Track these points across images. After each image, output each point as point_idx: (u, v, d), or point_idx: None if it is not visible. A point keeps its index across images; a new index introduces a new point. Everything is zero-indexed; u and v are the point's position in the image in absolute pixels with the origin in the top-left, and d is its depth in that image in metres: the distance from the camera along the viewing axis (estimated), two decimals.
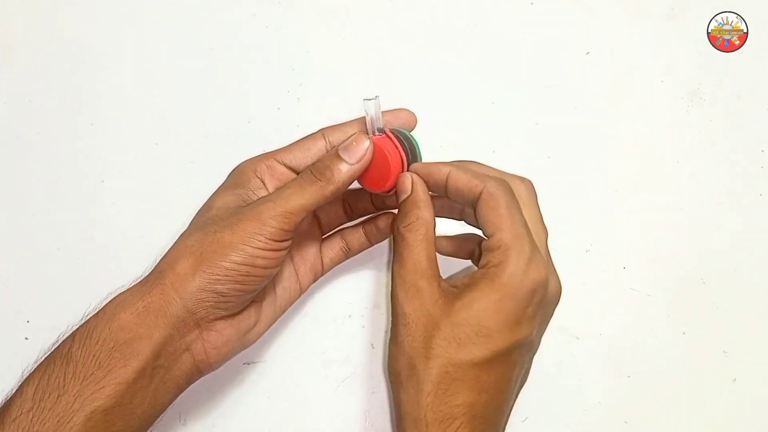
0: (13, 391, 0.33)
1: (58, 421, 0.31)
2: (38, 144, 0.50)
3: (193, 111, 0.51)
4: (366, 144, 0.37)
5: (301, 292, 0.42)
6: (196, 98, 0.51)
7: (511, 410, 0.38)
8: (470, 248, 0.41)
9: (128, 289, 0.35)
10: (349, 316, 0.46)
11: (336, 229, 0.44)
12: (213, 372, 0.44)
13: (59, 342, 0.34)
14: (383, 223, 0.43)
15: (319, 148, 0.39)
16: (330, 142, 0.39)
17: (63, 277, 0.47)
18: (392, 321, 0.37)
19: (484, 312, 0.34)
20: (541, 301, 0.36)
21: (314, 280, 0.43)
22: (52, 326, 0.36)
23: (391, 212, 0.43)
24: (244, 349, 0.39)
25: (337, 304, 0.46)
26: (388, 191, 0.39)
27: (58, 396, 0.32)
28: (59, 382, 0.32)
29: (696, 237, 0.49)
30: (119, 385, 0.32)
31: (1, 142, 0.50)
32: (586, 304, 0.48)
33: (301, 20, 0.53)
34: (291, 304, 0.42)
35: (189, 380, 0.36)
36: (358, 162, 0.37)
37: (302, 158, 0.39)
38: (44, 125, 0.50)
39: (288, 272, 0.41)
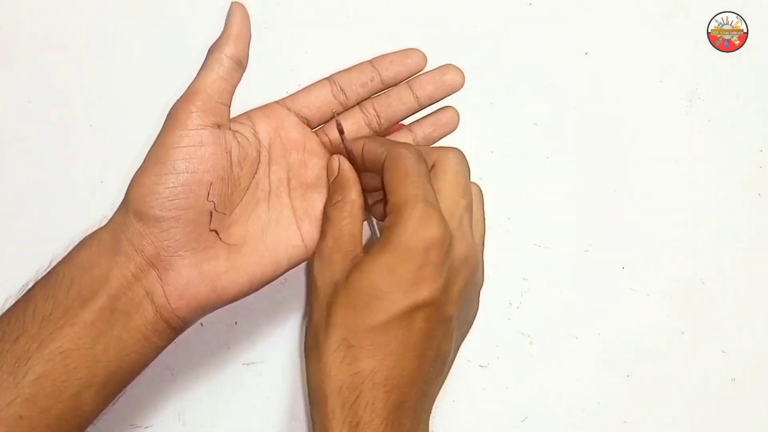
0: None
1: (14, 363, 0.30)
2: (37, 145, 0.50)
3: None
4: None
5: (306, 251, 0.38)
6: None
7: (433, 388, 0.36)
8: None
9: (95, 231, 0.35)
10: None
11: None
12: (213, 373, 0.44)
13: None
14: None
15: (318, 93, 0.41)
16: (341, 88, 0.41)
17: None
18: (308, 296, 0.37)
19: (377, 275, 0.32)
20: (440, 261, 0.33)
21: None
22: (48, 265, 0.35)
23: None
24: (220, 301, 0.35)
25: None
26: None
27: (17, 337, 0.31)
28: (18, 324, 0.31)
29: (695, 237, 0.49)
30: (76, 326, 0.31)
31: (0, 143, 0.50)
32: (584, 304, 0.48)
33: (300, 21, 0.53)
34: (293, 263, 0.38)
35: (156, 331, 0.34)
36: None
37: (304, 99, 0.41)
38: (43, 126, 0.50)
39: (282, 218, 0.38)
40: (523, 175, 0.48)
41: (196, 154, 0.34)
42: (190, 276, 0.34)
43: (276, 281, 0.47)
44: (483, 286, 0.39)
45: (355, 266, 0.34)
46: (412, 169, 0.34)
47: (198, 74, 0.37)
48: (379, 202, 0.39)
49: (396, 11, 0.53)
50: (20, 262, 0.47)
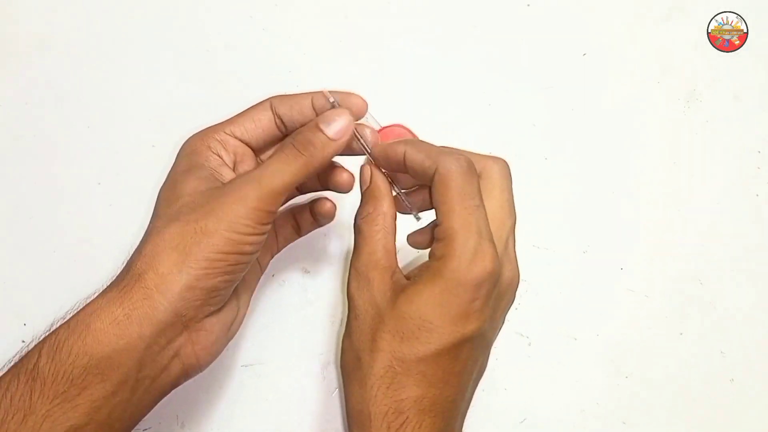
0: None
1: None
2: (35, 146, 0.50)
3: (190, 113, 0.51)
4: (347, 118, 0.35)
5: (262, 272, 0.40)
6: (193, 100, 0.51)
7: (468, 404, 0.37)
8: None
9: (102, 295, 0.32)
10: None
11: (287, 205, 0.41)
12: (212, 375, 0.44)
13: (24, 354, 0.31)
14: (323, 208, 0.41)
15: (268, 119, 0.37)
16: (278, 114, 0.37)
17: (60, 280, 0.47)
18: (348, 313, 0.37)
19: (426, 306, 0.32)
20: (489, 293, 0.33)
21: (270, 260, 0.41)
22: (49, 329, 0.35)
23: (327, 198, 0.41)
24: (229, 342, 0.37)
25: (334, 306, 0.46)
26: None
27: (24, 416, 0.29)
28: (24, 402, 0.29)
29: (693, 238, 0.49)
30: (96, 402, 0.30)
31: None
32: (583, 305, 0.48)
33: (299, 22, 0.53)
34: (257, 286, 0.40)
35: (175, 386, 0.34)
36: (340, 138, 0.34)
37: (253, 130, 0.36)
38: (41, 127, 0.50)
39: None
40: (521, 176, 0.48)
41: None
42: (219, 331, 0.34)
43: (274, 282, 0.47)
44: None
45: (402, 292, 0.34)
46: (465, 191, 0.33)
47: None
48: (414, 191, 0.38)
49: (394, 13, 0.53)
50: (17, 264, 0.47)
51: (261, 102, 0.37)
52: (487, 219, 0.34)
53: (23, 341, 0.44)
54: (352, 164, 0.39)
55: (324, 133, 0.34)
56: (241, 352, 0.45)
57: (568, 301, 0.48)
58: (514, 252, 0.36)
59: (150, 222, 0.34)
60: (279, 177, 0.33)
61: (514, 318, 0.47)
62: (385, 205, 0.36)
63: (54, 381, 0.29)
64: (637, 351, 0.47)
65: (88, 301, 0.32)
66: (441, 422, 0.33)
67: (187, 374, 0.34)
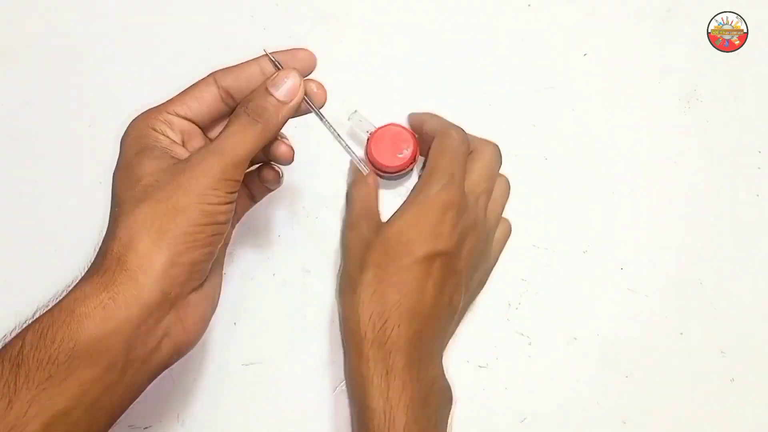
0: None
1: (10, 430, 0.28)
2: (36, 145, 0.50)
3: None
4: (295, 78, 0.35)
5: (227, 244, 0.40)
6: None
7: (444, 330, 0.42)
8: None
9: (83, 282, 0.32)
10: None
11: None
12: (212, 374, 0.44)
13: (6, 342, 0.31)
14: (269, 175, 0.41)
15: (212, 94, 0.36)
16: (224, 87, 0.36)
17: (61, 279, 0.47)
18: (342, 258, 0.45)
19: (405, 224, 0.40)
20: (454, 220, 0.40)
21: (232, 230, 0.41)
22: (32, 317, 0.34)
23: (271, 165, 0.41)
24: (212, 314, 0.37)
25: (335, 305, 0.47)
26: (406, 167, 0.46)
27: (9, 402, 0.29)
28: (9, 388, 0.29)
29: (694, 238, 0.49)
30: (83, 385, 0.30)
31: None
32: (583, 304, 0.48)
33: (300, 22, 0.53)
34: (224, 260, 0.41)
35: (167, 365, 0.34)
36: (292, 99, 0.35)
37: (197, 108, 0.36)
38: (42, 126, 0.50)
39: None
40: (522, 176, 0.48)
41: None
42: (205, 306, 0.35)
43: (275, 282, 0.47)
44: (491, 273, 0.47)
45: (386, 223, 0.42)
46: (452, 147, 0.42)
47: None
48: None
49: (395, 13, 0.53)
50: (18, 263, 0.47)
51: (204, 78, 0.37)
52: (464, 172, 0.42)
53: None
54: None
55: (274, 97, 0.35)
56: (242, 351, 0.45)
57: (568, 301, 0.48)
58: (484, 210, 0.43)
59: (112, 207, 0.34)
60: (240, 147, 0.34)
61: (514, 317, 0.47)
62: (370, 178, 0.45)
63: (39, 367, 0.29)
64: (638, 351, 0.47)
65: (68, 289, 0.32)
66: (417, 324, 0.39)
67: (179, 352, 0.34)
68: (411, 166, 0.47)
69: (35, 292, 0.46)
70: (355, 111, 0.47)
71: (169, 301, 0.32)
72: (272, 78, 0.35)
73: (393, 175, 0.47)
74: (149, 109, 0.36)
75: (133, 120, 0.36)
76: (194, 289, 0.34)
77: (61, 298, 0.32)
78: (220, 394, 0.44)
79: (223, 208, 0.33)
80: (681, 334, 0.47)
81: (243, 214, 0.43)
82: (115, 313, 0.30)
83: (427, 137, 0.45)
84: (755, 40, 0.53)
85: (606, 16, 0.54)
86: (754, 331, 0.47)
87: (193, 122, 0.37)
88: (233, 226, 0.42)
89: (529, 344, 0.47)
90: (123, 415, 0.41)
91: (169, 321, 0.33)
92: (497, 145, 0.45)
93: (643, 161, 0.51)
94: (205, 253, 0.33)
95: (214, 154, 0.33)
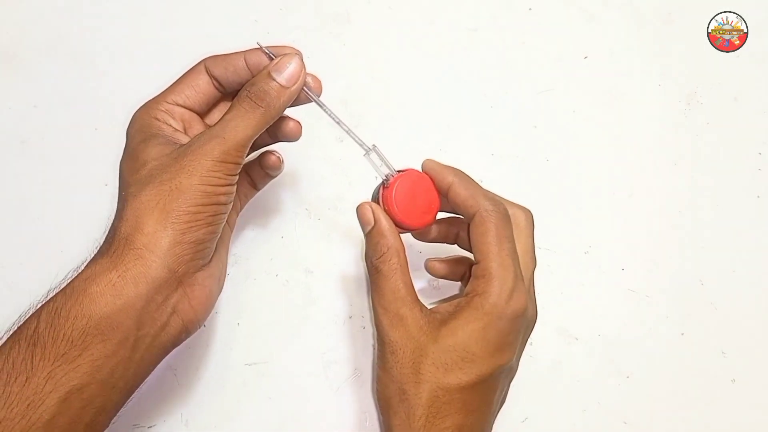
0: None
1: (27, 405, 0.29)
2: (43, 148, 0.50)
3: None
4: (297, 62, 0.36)
5: (232, 231, 0.42)
6: None
7: (491, 429, 0.40)
8: (462, 271, 0.42)
9: (93, 262, 0.33)
10: (350, 317, 0.47)
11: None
12: (215, 373, 0.45)
13: (22, 322, 0.32)
14: (270, 161, 0.42)
15: (206, 82, 0.38)
16: (213, 76, 0.38)
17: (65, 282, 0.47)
18: (378, 348, 0.39)
19: (469, 338, 0.35)
20: (521, 328, 0.37)
21: (236, 217, 0.43)
22: (46, 297, 0.34)
23: (272, 152, 0.42)
24: (219, 295, 0.38)
25: (337, 306, 0.47)
26: (427, 225, 0.39)
27: (26, 378, 0.30)
28: (26, 365, 0.30)
29: (694, 238, 0.49)
30: (96, 361, 0.31)
31: (6, 146, 0.50)
32: (585, 305, 0.48)
33: (303, 25, 0.54)
34: (230, 244, 0.41)
35: (176, 343, 0.35)
36: (293, 84, 0.36)
37: (194, 96, 0.38)
38: (49, 130, 0.51)
39: None
40: (523, 178, 0.49)
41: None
42: (211, 285, 0.36)
43: (278, 283, 0.47)
44: None
45: (444, 326, 0.36)
46: (504, 234, 0.37)
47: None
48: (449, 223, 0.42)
49: (397, 16, 0.54)
50: (24, 266, 0.48)
51: (195, 66, 0.39)
52: (519, 262, 0.37)
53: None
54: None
55: (276, 81, 0.35)
56: (245, 351, 0.45)
57: (569, 301, 0.48)
58: (534, 293, 0.40)
59: (120, 192, 0.35)
60: (241, 130, 0.35)
61: None
62: (396, 241, 0.38)
63: (54, 343, 0.30)
64: (638, 351, 0.47)
65: (79, 270, 0.33)
66: None
67: (187, 330, 0.35)
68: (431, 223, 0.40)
69: (42, 293, 0.47)
70: (374, 146, 0.38)
71: (176, 279, 0.33)
72: (275, 63, 0.36)
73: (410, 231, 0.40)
74: (149, 101, 0.38)
75: (136, 112, 0.38)
76: (200, 268, 0.35)
77: (72, 278, 0.33)
78: (224, 393, 0.45)
79: (224, 189, 0.34)
80: (682, 334, 0.47)
81: (246, 201, 0.43)
82: (124, 290, 0.31)
83: (455, 207, 0.38)
84: (755, 40, 0.53)
85: (606, 20, 0.54)
86: (754, 332, 0.47)
87: (192, 110, 0.38)
88: (237, 213, 0.43)
89: (531, 344, 0.47)
90: (127, 415, 0.42)
91: (177, 298, 0.34)
92: (530, 211, 0.40)
93: (643, 162, 0.51)
94: (208, 232, 0.34)
95: (216, 137, 0.34)
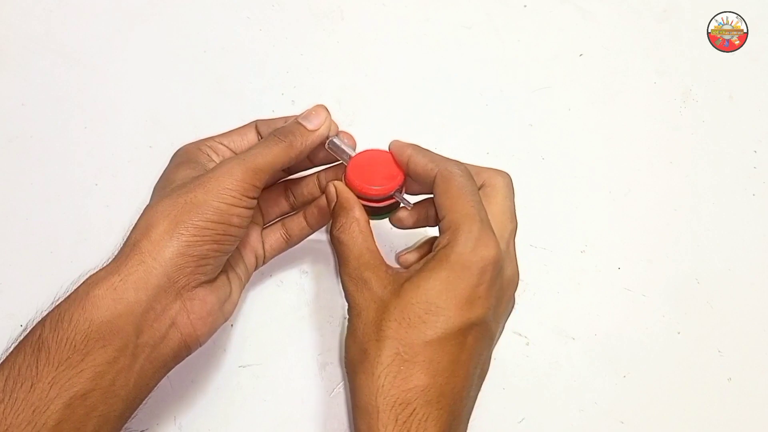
0: None
1: (33, 411, 0.30)
2: (31, 147, 0.50)
3: (186, 114, 0.51)
4: (324, 113, 0.39)
5: (248, 278, 0.41)
6: (189, 101, 0.51)
7: (473, 403, 0.37)
8: (432, 213, 0.40)
9: (102, 268, 0.34)
10: (345, 319, 0.46)
11: (277, 219, 0.44)
12: (209, 375, 0.44)
13: (29, 330, 0.32)
14: (323, 201, 0.41)
15: (254, 135, 0.41)
16: (261, 135, 0.41)
17: (56, 281, 0.46)
18: (348, 318, 0.37)
19: (433, 290, 0.33)
20: (493, 280, 0.34)
21: (256, 268, 0.42)
22: (52, 304, 0.34)
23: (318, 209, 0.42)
24: (225, 321, 0.38)
25: (333, 307, 0.46)
26: (390, 192, 0.39)
27: (32, 385, 0.30)
28: (31, 371, 0.30)
29: (690, 237, 0.49)
30: (99, 367, 0.31)
31: None
32: (581, 304, 0.48)
33: (296, 23, 0.53)
34: (245, 286, 0.41)
35: (177, 358, 0.35)
36: (317, 128, 0.38)
37: (240, 142, 0.40)
38: (37, 128, 0.50)
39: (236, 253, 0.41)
40: (518, 176, 0.48)
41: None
42: (212, 303, 0.36)
43: (271, 283, 0.47)
44: None
45: (407, 280, 0.34)
46: (466, 188, 0.36)
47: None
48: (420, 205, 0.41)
49: (390, 13, 0.54)
50: (13, 265, 0.47)
51: (248, 123, 0.42)
52: (486, 213, 0.35)
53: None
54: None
55: (302, 125, 0.38)
56: (239, 353, 0.45)
57: (565, 301, 0.48)
58: (515, 254, 0.38)
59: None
60: (261, 157, 0.36)
61: (512, 317, 0.47)
62: (357, 212, 0.38)
63: (58, 348, 0.31)
64: (635, 350, 0.47)
65: (88, 275, 0.34)
66: (447, 415, 0.33)
67: (187, 346, 0.35)
68: (401, 188, 0.40)
69: (31, 293, 0.46)
70: (338, 134, 0.40)
71: (175, 289, 0.34)
72: (303, 114, 0.39)
73: (378, 207, 0.40)
74: (201, 139, 0.41)
75: (185, 144, 0.40)
76: (201, 283, 0.35)
77: (80, 284, 0.33)
78: (217, 396, 0.44)
79: (237, 210, 0.35)
80: (678, 333, 0.47)
81: (274, 255, 0.44)
82: (125, 294, 0.32)
83: (416, 177, 0.38)
84: (755, 40, 0.53)
85: (601, 17, 0.54)
86: (751, 331, 0.48)
87: (235, 153, 0.40)
88: (264, 262, 0.43)
89: (527, 344, 0.47)
90: None
91: (176, 310, 0.34)
92: (508, 174, 0.39)
93: (639, 161, 0.51)
94: (213, 249, 0.34)
95: (237, 160, 0.36)
